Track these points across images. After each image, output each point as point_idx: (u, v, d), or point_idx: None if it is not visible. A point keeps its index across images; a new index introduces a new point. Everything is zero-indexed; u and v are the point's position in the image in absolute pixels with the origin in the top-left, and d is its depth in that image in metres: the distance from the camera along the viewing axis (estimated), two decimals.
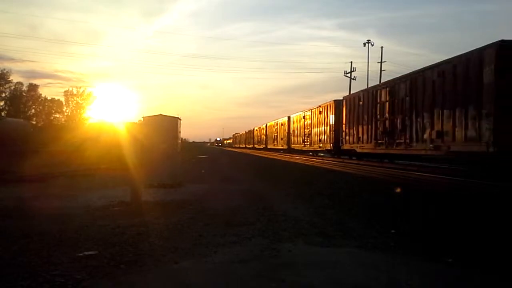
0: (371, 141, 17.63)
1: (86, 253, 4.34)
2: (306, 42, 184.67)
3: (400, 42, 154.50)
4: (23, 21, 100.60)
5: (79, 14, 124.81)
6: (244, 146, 68.42)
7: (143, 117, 11.38)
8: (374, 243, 4.84)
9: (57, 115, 72.13)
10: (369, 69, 48.63)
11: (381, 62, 47.07)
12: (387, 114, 16.10)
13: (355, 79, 49.04)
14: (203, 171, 17.10)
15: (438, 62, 12.64)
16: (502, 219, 6.06)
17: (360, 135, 18.78)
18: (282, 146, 36.72)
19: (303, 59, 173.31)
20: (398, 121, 15.02)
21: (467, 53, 11.12)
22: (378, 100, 17.13)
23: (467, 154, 11.10)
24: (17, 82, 65.30)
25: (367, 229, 5.62)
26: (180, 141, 12.15)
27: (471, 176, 10.65)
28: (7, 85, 63.30)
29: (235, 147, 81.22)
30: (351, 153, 20.51)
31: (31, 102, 69.18)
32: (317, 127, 25.95)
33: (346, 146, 20.69)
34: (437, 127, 12.19)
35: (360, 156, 19.52)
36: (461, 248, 4.61)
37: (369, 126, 17.79)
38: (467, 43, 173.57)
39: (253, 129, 58.40)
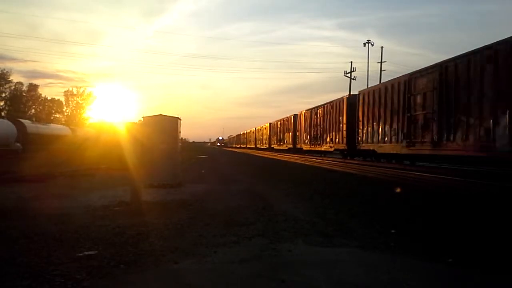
0: (282, 144, 36.40)
1: (86, 253, 4.34)
2: (306, 42, 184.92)
3: (400, 42, 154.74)
4: (24, 21, 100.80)
5: (79, 14, 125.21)
6: (235, 146, 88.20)
7: (143, 117, 11.32)
8: (374, 243, 4.84)
9: (57, 115, 72.25)
10: (369, 69, 49.05)
11: (381, 62, 47.43)
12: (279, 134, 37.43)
13: (355, 79, 49.42)
14: (203, 171, 17.11)
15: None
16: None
17: (275, 142, 39.60)
18: (253, 146, 55.17)
19: (303, 59, 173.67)
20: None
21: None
22: (278, 126, 37.85)
23: None
24: (17, 82, 65.44)
25: (367, 229, 5.62)
26: (180, 141, 12.12)
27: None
28: (7, 85, 63.38)
29: (231, 147, 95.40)
30: (273, 149, 39.72)
31: (31, 102, 69.28)
32: (265, 135, 46.16)
33: (272, 146, 40.34)
34: None
35: (277, 150, 36.85)
36: (461, 248, 4.61)
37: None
38: (467, 43, 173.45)
39: (240, 133, 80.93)
